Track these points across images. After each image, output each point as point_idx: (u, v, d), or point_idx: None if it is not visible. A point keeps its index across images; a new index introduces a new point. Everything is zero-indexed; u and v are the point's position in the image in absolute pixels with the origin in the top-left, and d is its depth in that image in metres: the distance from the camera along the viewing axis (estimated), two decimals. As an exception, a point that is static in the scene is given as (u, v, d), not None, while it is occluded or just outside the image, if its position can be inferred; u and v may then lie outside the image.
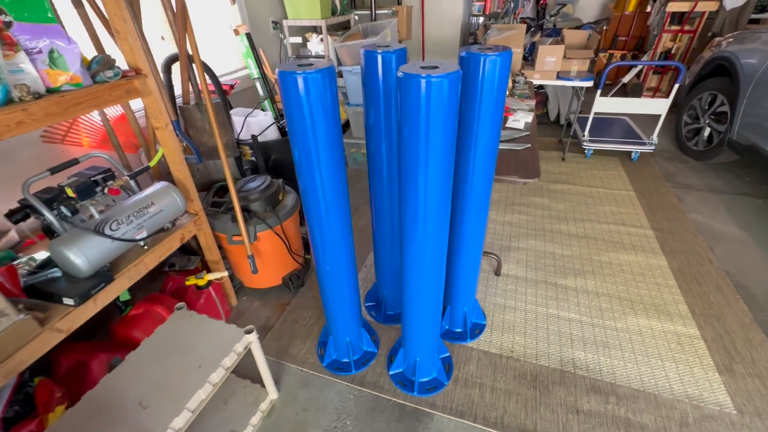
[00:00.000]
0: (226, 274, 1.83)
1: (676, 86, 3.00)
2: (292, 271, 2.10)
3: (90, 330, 1.72)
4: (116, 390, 1.17)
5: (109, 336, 1.63)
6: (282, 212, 1.91)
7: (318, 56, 2.97)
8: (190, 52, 1.52)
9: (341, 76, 3.04)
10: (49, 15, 1.05)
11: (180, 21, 1.44)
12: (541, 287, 2.08)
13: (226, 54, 2.66)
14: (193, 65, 1.67)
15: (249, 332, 1.34)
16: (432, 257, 1.24)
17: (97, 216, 1.31)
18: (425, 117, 0.95)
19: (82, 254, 1.22)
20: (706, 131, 3.29)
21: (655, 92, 4.80)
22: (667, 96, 3.09)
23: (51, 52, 1.10)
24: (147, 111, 1.43)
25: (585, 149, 3.48)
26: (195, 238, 1.79)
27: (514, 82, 2.85)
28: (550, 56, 3.12)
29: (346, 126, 3.61)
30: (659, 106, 3.09)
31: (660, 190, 2.96)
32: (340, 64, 2.97)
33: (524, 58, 3.69)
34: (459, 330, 1.82)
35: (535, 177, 1.63)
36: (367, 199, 2.44)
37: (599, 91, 3.09)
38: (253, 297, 2.11)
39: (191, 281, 1.74)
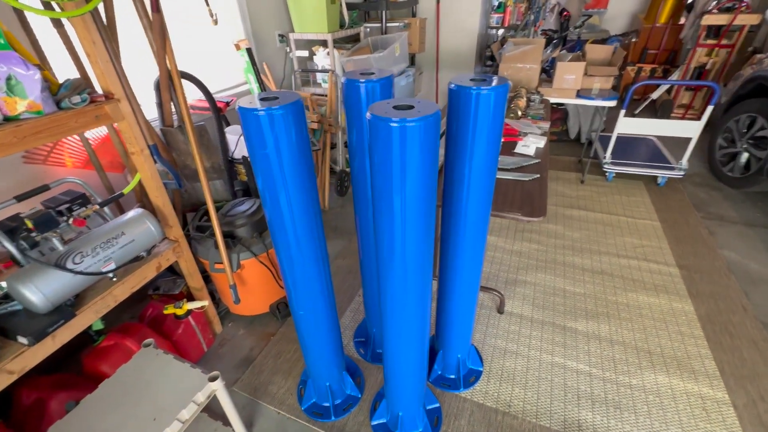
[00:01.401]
0: (206, 303, 1.74)
1: (710, 108, 2.74)
2: (280, 298, 2.00)
3: (62, 359, 1.67)
4: (62, 442, 1.08)
5: (81, 366, 1.56)
6: (270, 238, 1.81)
7: (324, 70, 2.88)
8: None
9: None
10: (1, 42, 0.98)
11: (159, 40, 1.37)
12: (548, 330, 1.90)
13: (226, 69, 2.60)
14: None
15: (213, 379, 1.23)
16: (413, 307, 1.10)
17: (60, 248, 1.24)
18: (400, 167, 0.82)
19: (39, 290, 1.15)
20: (744, 156, 2.99)
21: (687, 110, 4.47)
22: (700, 116, 2.83)
23: (8, 79, 1.03)
24: (122, 136, 1.36)
25: (606, 172, 3.25)
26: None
27: (528, 101, 2.67)
28: (569, 74, 2.92)
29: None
30: (690, 130, 2.84)
31: (689, 221, 2.70)
32: (346, 78, 2.87)
33: (544, 71, 3.48)
34: (452, 376, 1.66)
35: (540, 216, 1.46)
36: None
37: (623, 111, 2.86)
38: (239, 324, 2.01)
39: (169, 310, 1.65)
